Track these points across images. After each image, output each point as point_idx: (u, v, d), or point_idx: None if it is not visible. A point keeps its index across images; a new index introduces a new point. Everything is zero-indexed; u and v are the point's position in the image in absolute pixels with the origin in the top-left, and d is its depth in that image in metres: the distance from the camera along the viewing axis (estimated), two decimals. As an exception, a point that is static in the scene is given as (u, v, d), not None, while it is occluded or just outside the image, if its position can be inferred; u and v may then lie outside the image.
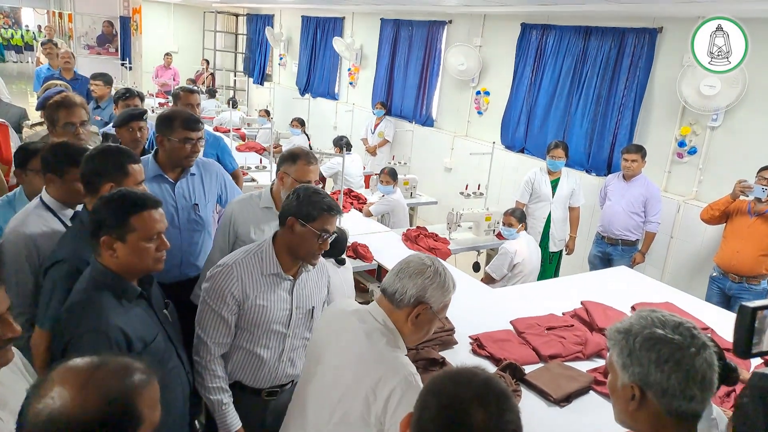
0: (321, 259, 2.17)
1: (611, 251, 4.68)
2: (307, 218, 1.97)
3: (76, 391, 0.95)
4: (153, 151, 2.82)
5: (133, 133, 3.27)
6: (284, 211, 2.01)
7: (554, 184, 4.81)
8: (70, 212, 2.23)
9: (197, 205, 2.80)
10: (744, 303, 0.77)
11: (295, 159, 2.55)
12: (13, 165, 2.97)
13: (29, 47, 22.35)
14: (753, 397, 0.82)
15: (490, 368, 2.56)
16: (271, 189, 2.65)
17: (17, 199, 2.50)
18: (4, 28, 22.61)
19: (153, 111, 7.20)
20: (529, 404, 2.29)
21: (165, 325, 1.84)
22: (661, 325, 1.15)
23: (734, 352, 0.78)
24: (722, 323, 3.04)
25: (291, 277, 2.08)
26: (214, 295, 1.99)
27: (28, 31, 22.90)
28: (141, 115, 3.35)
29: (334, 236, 2.05)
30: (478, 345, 2.74)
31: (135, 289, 1.75)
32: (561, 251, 5.02)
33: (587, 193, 5.14)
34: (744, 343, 0.74)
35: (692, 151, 4.72)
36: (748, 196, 3.78)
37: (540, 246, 4.58)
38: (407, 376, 1.51)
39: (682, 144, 4.79)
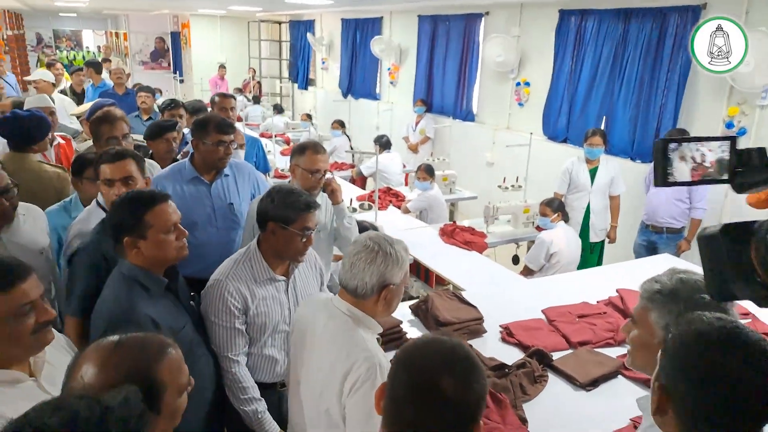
0: (309, 250, 2.19)
1: (656, 239, 4.52)
2: (286, 221, 1.99)
3: (99, 369, 1.07)
4: (189, 155, 2.95)
5: (167, 144, 3.45)
6: (261, 215, 2.04)
7: (593, 174, 4.68)
8: None
9: (232, 204, 2.92)
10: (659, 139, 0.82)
11: (303, 150, 2.64)
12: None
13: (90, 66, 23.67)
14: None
15: (519, 355, 2.54)
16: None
17: (73, 206, 2.70)
18: (67, 51, 24.01)
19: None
20: (555, 390, 2.28)
21: (192, 316, 1.94)
22: (701, 290, 1.22)
23: (655, 183, 0.83)
24: (763, 311, 2.90)
25: (284, 278, 2.11)
26: (219, 313, 2.01)
27: (89, 52, 24.25)
28: (173, 126, 3.52)
29: (311, 232, 2.06)
30: (507, 333, 2.73)
31: (162, 280, 1.85)
32: (603, 241, 4.88)
33: (634, 182, 4.98)
34: (661, 174, 0.80)
35: (741, 132, 4.49)
36: None
37: (580, 237, 4.48)
38: (371, 367, 1.53)
39: (729, 125, 4.56)
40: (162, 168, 3.11)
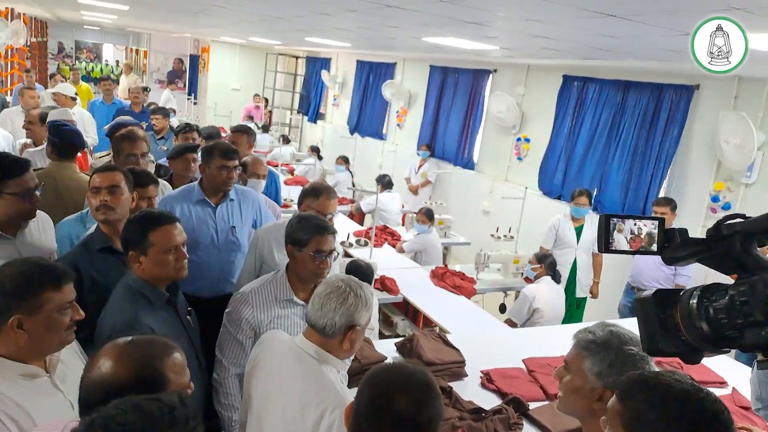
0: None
1: (640, 302, 4.68)
2: (299, 243, 2.13)
3: (114, 362, 1.24)
4: (199, 179, 3.14)
5: (186, 163, 3.62)
6: (285, 240, 2.20)
7: (579, 231, 4.89)
8: None
9: (234, 227, 3.08)
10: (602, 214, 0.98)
11: (318, 194, 2.74)
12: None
13: (96, 81, 24.18)
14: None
15: (496, 401, 2.67)
16: None
17: (88, 217, 2.77)
18: (87, 62, 24.53)
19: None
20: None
21: (188, 330, 2.08)
22: (631, 342, 1.37)
23: (598, 249, 0.97)
24: (740, 379, 3.05)
25: (303, 302, 2.22)
26: (231, 321, 2.19)
27: (107, 65, 24.79)
28: (195, 148, 3.72)
29: (335, 255, 2.19)
30: (487, 379, 2.86)
31: (163, 294, 2.01)
32: (585, 298, 5.05)
33: (621, 243, 5.17)
34: (604, 243, 0.94)
35: (726, 207, 4.72)
36: None
37: (566, 291, 4.64)
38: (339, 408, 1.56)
39: (715, 199, 4.80)
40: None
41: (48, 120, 3.92)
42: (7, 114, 5.91)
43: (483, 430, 2.44)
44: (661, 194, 5.16)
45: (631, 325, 3.77)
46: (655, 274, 4.59)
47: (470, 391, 2.76)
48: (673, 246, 0.92)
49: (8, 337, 1.51)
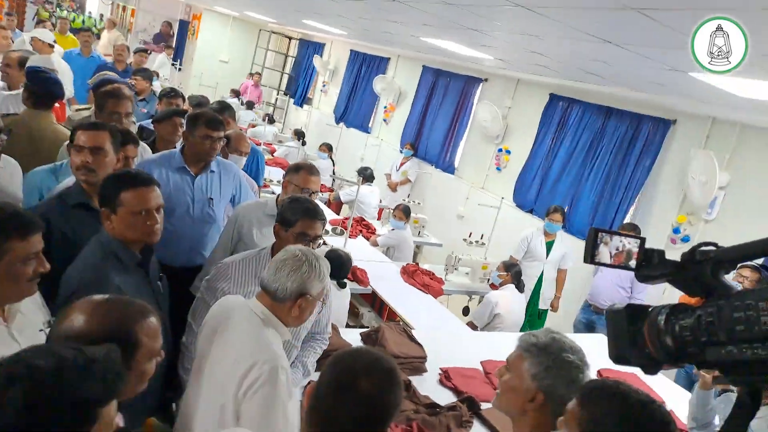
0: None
1: (595, 320, 4.89)
2: (286, 224, 2.16)
3: (88, 317, 1.26)
4: (180, 147, 3.10)
5: (174, 127, 3.55)
6: (276, 218, 2.24)
7: (549, 246, 5.07)
8: None
9: (212, 199, 3.04)
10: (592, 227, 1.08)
11: (298, 169, 2.81)
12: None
13: (75, 32, 23.46)
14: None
15: (452, 398, 2.80)
16: (277, 199, 2.85)
17: (62, 170, 2.70)
18: (68, 11, 23.78)
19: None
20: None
21: (156, 295, 2.07)
22: (570, 350, 1.47)
23: (584, 260, 1.03)
24: (679, 403, 3.24)
25: None
26: (208, 289, 2.20)
27: (90, 17, 24.10)
28: (183, 113, 3.70)
29: (319, 242, 2.21)
30: (445, 376, 2.99)
31: (135, 255, 1.97)
32: (547, 310, 5.25)
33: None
34: (590, 254, 1.01)
35: (685, 239, 4.96)
36: None
37: (530, 302, 4.82)
38: (273, 369, 1.62)
39: (676, 231, 5.03)
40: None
41: (27, 65, 3.83)
42: None
43: (436, 424, 2.56)
44: (627, 220, 5.38)
45: (580, 339, 3.96)
46: (611, 294, 4.80)
47: (428, 386, 2.88)
48: (651, 265, 0.99)
49: None
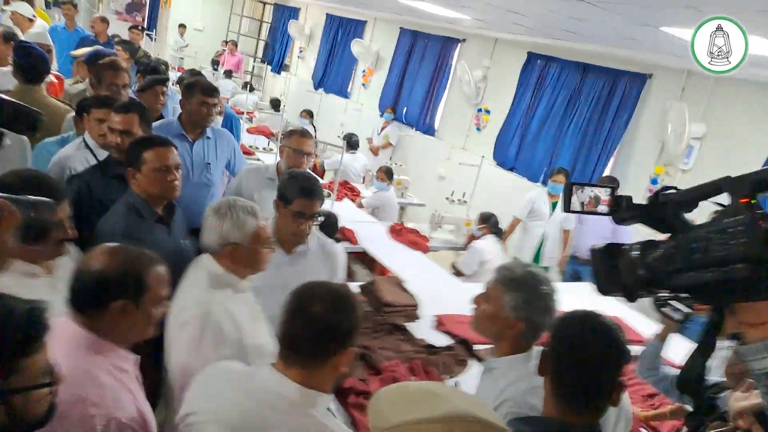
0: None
1: (581, 270, 5.11)
2: (284, 200, 2.21)
3: (105, 259, 1.43)
4: (178, 115, 3.24)
5: (156, 96, 3.62)
6: (276, 193, 2.29)
7: (553, 206, 5.20)
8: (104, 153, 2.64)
9: (209, 164, 3.21)
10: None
11: (291, 134, 3.00)
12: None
13: (56, 4, 22.74)
14: None
15: (447, 342, 2.98)
16: (277, 165, 3.08)
17: (69, 141, 2.84)
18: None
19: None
20: (473, 372, 2.70)
21: (181, 250, 2.23)
22: (544, 282, 1.64)
23: (563, 209, 1.20)
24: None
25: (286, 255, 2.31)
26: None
27: (61, -12, 23.17)
28: (164, 81, 3.77)
29: (317, 219, 2.26)
30: (439, 322, 3.17)
31: (155, 213, 2.19)
32: (548, 267, 5.45)
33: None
34: (566, 205, 1.16)
35: (662, 190, 5.17)
36: None
37: (534, 260, 5.03)
38: (203, 314, 1.74)
39: (654, 182, 5.24)
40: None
41: (20, 40, 3.83)
42: None
43: (436, 362, 2.75)
44: (606, 173, 5.56)
45: (568, 287, 4.14)
46: (595, 244, 5.01)
47: (422, 331, 3.05)
48: (621, 209, 1.13)
49: None
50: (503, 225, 4.94)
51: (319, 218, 2.32)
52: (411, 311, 3.17)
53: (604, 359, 1.32)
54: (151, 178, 2.14)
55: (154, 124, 3.22)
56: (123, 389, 1.40)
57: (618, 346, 1.33)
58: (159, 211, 2.20)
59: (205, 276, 1.87)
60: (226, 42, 12.19)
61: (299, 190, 2.21)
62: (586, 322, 1.37)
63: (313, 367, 1.37)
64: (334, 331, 1.36)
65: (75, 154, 2.62)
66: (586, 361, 1.32)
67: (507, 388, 1.59)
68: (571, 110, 6.10)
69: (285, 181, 2.29)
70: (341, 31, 10.22)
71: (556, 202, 5.24)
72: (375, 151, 8.19)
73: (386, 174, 5.64)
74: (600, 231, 4.97)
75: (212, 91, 3.17)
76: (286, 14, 12.16)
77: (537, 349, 1.81)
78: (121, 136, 2.46)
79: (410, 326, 3.06)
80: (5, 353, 1.05)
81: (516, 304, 1.61)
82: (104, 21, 7.00)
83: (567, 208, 1.19)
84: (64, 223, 1.71)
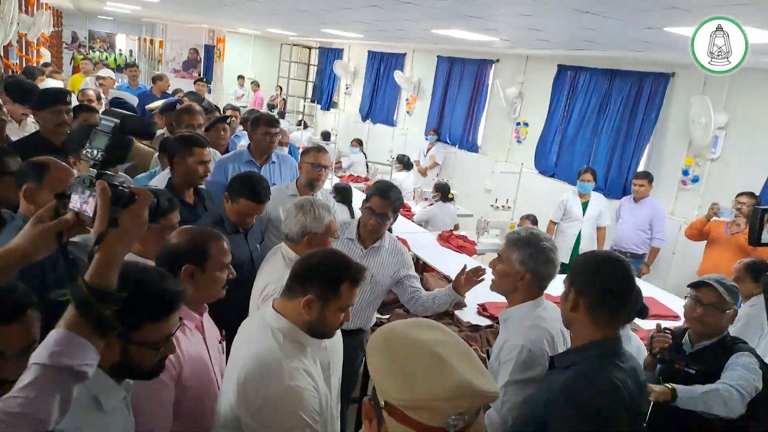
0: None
1: (621, 262, 5.37)
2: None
3: (178, 236, 1.87)
4: (247, 145, 3.86)
5: (218, 132, 4.20)
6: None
7: (584, 206, 5.52)
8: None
9: (275, 184, 3.62)
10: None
11: (308, 151, 3.42)
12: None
13: (120, 69, 24.98)
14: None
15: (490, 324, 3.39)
16: (297, 181, 3.43)
17: (157, 174, 3.44)
18: (100, 52, 25.18)
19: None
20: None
21: (252, 253, 2.74)
22: (545, 239, 2.01)
23: (749, 242, 1.61)
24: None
25: (361, 246, 2.77)
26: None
27: (121, 54, 25.48)
28: (225, 119, 4.40)
29: (387, 220, 2.75)
30: (482, 309, 3.59)
31: (233, 226, 2.68)
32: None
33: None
34: (756, 237, 1.61)
35: (695, 180, 5.40)
36: (719, 216, 4.43)
37: (571, 259, 5.34)
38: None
39: (686, 173, 5.48)
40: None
41: (113, 99, 4.63)
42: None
43: (478, 338, 3.17)
44: (640, 169, 5.84)
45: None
46: (634, 238, 5.28)
47: (468, 316, 3.49)
48: None
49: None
50: (542, 228, 5.30)
51: (389, 219, 2.74)
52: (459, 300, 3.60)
53: (627, 273, 1.66)
54: (235, 210, 2.71)
55: (227, 155, 3.90)
56: (183, 338, 1.69)
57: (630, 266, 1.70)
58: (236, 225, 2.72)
59: (282, 259, 2.37)
60: (279, 87, 13.15)
61: (374, 189, 2.75)
62: (602, 255, 1.77)
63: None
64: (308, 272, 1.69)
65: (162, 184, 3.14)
66: (617, 276, 1.64)
67: (527, 333, 1.93)
68: (603, 114, 6.43)
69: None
70: (383, 65, 10.92)
71: (587, 201, 5.52)
72: (423, 172, 8.69)
73: (437, 190, 6.14)
74: (639, 224, 5.25)
75: (274, 122, 3.80)
76: (330, 56, 13.03)
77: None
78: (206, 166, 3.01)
79: (459, 313, 3.50)
80: (139, 312, 1.26)
81: (523, 259, 1.99)
82: (162, 78, 7.94)
83: (757, 241, 1.59)
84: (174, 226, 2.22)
